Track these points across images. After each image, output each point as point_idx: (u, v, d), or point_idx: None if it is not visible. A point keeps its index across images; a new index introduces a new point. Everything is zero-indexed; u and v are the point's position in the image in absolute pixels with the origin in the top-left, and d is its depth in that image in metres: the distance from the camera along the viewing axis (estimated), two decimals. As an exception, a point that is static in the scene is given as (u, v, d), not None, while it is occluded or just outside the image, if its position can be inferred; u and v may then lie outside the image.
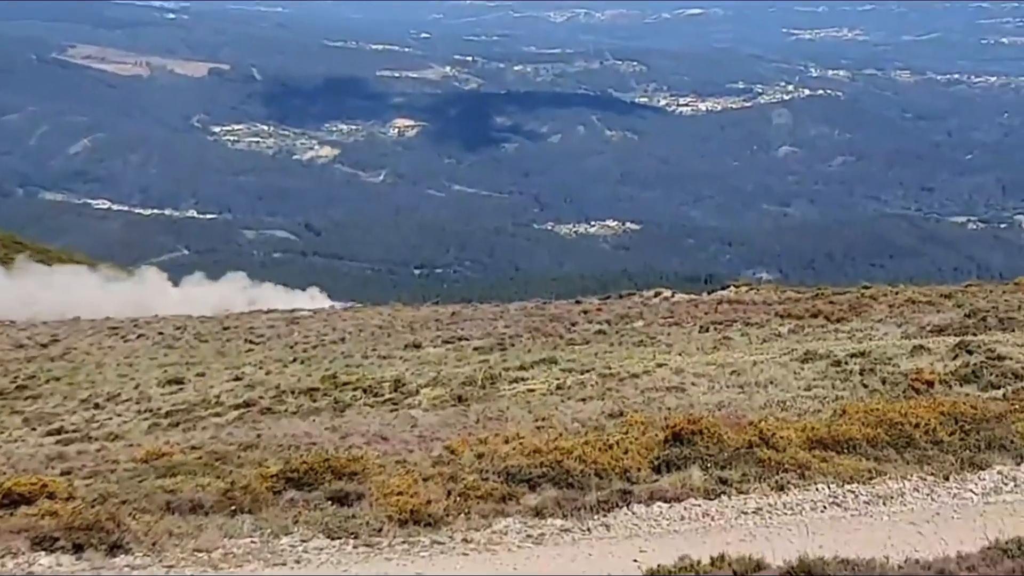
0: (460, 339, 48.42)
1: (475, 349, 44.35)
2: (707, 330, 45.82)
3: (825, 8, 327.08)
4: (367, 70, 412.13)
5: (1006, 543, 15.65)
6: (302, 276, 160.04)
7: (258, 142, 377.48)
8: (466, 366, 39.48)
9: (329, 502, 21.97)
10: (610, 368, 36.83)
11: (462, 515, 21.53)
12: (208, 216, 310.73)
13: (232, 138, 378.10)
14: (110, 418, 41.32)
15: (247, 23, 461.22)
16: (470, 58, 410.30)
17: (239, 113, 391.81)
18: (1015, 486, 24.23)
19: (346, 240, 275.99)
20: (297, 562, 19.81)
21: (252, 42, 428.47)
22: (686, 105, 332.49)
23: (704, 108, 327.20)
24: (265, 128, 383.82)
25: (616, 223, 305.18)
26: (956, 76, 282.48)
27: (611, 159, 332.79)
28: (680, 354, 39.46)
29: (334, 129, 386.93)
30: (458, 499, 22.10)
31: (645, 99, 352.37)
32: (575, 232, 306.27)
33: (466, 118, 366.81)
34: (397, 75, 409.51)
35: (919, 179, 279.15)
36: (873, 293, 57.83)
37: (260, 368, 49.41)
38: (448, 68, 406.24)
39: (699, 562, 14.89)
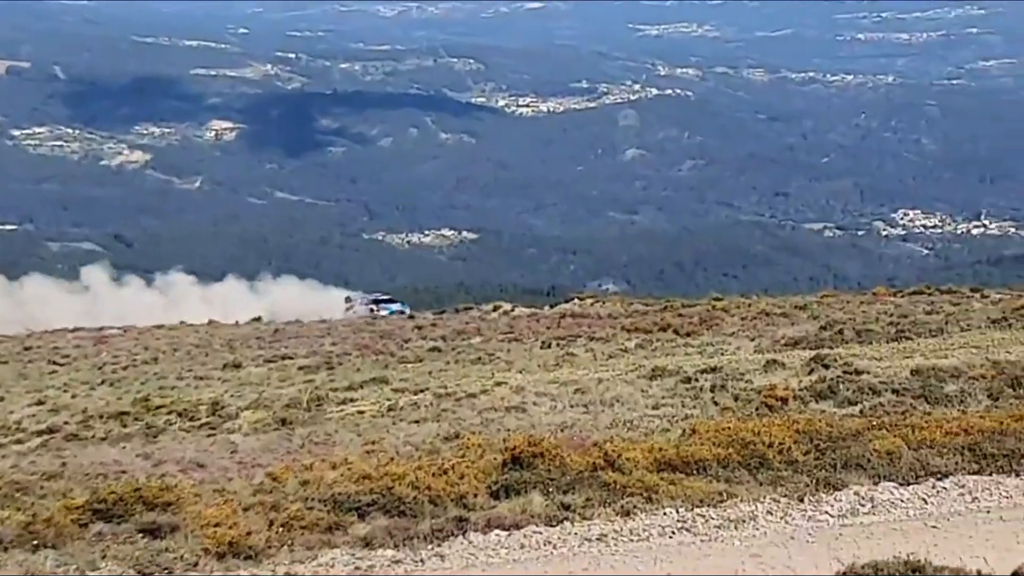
0: (284, 358, 48.34)
1: (300, 368, 44.26)
2: (549, 346, 46.07)
3: (673, 2, 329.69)
4: (180, 68, 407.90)
5: (862, 567, 15.95)
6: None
7: (62, 146, 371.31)
8: (290, 387, 39.39)
9: (140, 535, 21.71)
10: (445, 387, 36.89)
11: (285, 547, 21.50)
12: (7, 227, 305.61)
13: (33, 142, 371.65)
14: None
15: (50, 18, 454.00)
16: (293, 55, 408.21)
17: (40, 115, 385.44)
18: (872, 507, 24.65)
19: (160, 252, 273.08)
20: (105, 600, 19.63)
21: (55, 38, 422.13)
22: (526, 106, 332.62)
23: (545, 109, 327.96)
24: (69, 131, 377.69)
25: (452, 232, 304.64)
26: (811, 75, 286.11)
27: (446, 164, 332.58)
28: (520, 372, 39.64)
29: (145, 132, 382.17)
30: (281, 530, 22.05)
31: (483, 99, 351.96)
32: (408, 242, 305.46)
33: (289, 120, 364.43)
34: (213, 74, 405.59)
35: (773, 184, 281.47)
36: (725, 305, 58.49)
37: (65, 391, 48.83)
38: (269, 66, 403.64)
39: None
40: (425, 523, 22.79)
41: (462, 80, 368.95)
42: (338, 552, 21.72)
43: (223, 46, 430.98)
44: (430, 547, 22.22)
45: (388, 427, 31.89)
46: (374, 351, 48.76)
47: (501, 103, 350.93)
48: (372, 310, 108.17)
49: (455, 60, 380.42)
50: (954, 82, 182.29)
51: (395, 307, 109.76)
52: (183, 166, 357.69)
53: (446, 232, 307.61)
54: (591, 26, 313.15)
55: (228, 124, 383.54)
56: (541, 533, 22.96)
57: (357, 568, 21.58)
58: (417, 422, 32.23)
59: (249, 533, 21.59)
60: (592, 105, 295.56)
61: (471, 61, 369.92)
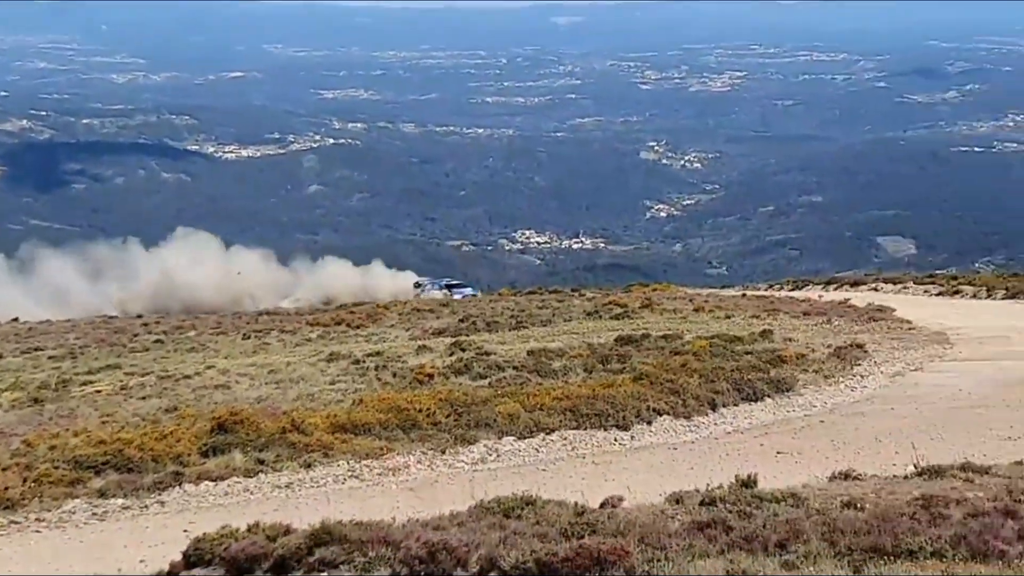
0: (36, 349, 46.65)
1: (50, 358, 42.75)
2: (249, 337, 45.46)
3: (345, 72, 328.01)
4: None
5: (488, 502, 15.99)
6: None
7: None
8: (41, 372, 38.05)
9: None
10: (166, 371, 36.15)
11: (36, 498, 20.94)
12: None
13: None
14: None
15: None
16: (44, 112, 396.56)
17: None
18: (497, 456, 24.91)
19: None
20: None
21: None
22: (231, 152, 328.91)
23: (246, 155, 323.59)
24: None
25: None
26: (452, 128, 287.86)
27: (167, 198, 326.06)
28: (226, 358, 39.04)
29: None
30: (33, 485, 21.45)
31: (196, 147, 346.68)
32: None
33: (41, 163, 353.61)
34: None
35: (423, 210, 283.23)
36: (387, 304, 58.58)
37: None
38: (25, 121, 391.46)
39: (237, 529, 14.72)
40: (149, 477, 22.35)
41: (179, 132, 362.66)
42: (79, 501, 21.22)
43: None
44: (153, 496, 21.80)
45: (120, 403, 31.10)
46: (109, 343, 47.53)
47: (211, 150, 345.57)
48: (446, 294, 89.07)
49: (174, 116, 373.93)
50: (558, 134, 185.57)
51: (467, 291, 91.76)
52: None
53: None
54: (282, 90, 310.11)
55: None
56: (241, 483, 22.64)
57: (94, 514, 21.09)
58: (144, 398, 31.51)
59: (7, 488, 20.95)
60: (282, 151, 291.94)
61: (187, 117, 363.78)
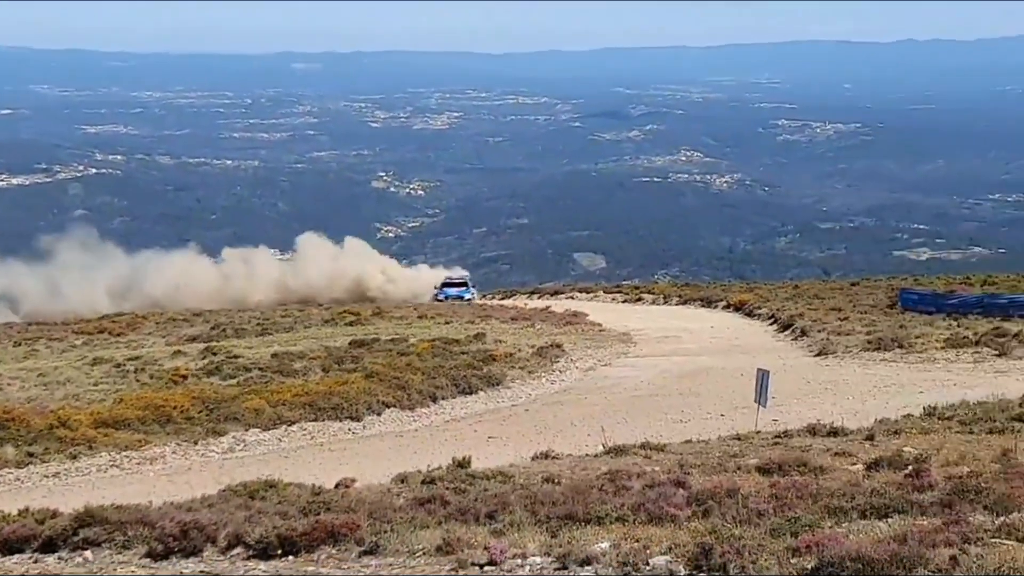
0: None
1: None
2: (20, 344, 43.73)
3: (106, 110, 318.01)
4: None
5: (236, 486, 15.86)
6: None
7: None
8: None
9: None
10: (-58, 375, 34.52)
11: None
12: None
13: None
14: None
15: None
16: None
17: None
18: (244, 446, 24.74)
19: None
20: None
21: None
22: (2, 180, 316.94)
23: (15, 183, 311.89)
24: None
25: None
26: (203, 160, 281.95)
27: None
28: (-2, 363, 37.48)
29: None
30: None
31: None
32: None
33: None
34: None
35: (178, 232, 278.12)
36: (145, 314, 56.74)
37: None
38: None
39: (9, 514, 14.26)
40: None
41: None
42: None
43: None
44: (-70, 487, 21.02)
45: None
46: None
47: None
48: (436, 296, 69.84)
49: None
50: (299, 166, 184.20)
51: (452, 292, 69.85)
52: None
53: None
54: (49, 125, 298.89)
55: None
56: (12, 473, 21.99)
57: None
58: (-79, 400, 30.16)
59: None
60: (49, 180, 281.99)
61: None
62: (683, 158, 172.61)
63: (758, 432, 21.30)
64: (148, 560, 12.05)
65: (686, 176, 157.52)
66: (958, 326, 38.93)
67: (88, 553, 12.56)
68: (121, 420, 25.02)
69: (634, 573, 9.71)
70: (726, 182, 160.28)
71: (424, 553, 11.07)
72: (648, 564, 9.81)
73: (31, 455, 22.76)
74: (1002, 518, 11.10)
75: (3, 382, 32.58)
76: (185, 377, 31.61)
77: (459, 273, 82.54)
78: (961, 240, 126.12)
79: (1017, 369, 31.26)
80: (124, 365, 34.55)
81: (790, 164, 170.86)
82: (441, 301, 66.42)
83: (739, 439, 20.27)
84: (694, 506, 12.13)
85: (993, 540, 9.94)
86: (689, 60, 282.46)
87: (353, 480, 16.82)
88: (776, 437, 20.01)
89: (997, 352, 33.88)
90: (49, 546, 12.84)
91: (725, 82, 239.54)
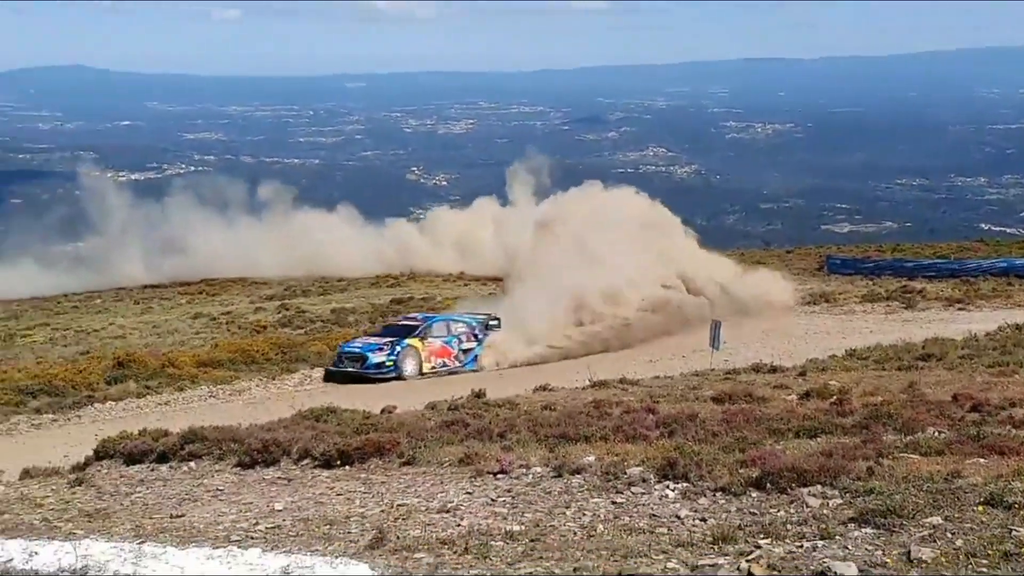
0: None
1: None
2: (138, 303, 43.59)
3: (201, 121, 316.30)
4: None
5: (304, 411, 15.91)
6: None
7: None
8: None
9: None
10: (82, 327, 34.81)
11: (-11, 415, 20.46)
12: None
13: None
14: None
15: None
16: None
17: None
18: (310, 380, 24.77)
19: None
20: None
21: None
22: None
23: (133, 178, 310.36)
24: None
25: None
26: (276, 159, 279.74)
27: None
28: (122, 317, 37.68)
29: None
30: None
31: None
32: None
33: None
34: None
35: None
36: (232, 279, 54.02)
37: None
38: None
39: (132, 433, 14.41)
40: (70, 399, 21.81)
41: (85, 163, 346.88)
42: (22, 416, 20.80)
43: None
44: (73, 412, 21.34)
45: (49, 349, 29.99)
46: (41, 308, 44.48)
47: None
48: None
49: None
50: (349, 163, 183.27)
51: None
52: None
53: None
54: (156, 134, 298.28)
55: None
56: (134, 402, 22.15)
57: (32, 425, 20.51)
58: (66, 345, 30.41)
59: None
60: (159, 175, 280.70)
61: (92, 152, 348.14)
62: (651, 153, 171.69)
63: (712, 370, 21.34)
64: (238, 468, 12.24)
65: (653, 168, 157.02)
66: (873, 285, 38.85)
67: (192, 463, 12.72)
68: (216, 361, 25.13)
69: (614, 480, 9.78)
70: (686, 172, 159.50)
71: (450, 464, 11.18)
72: (626, 473, 9.88)
73: (148, 388, 22.93)
74: (908, 437, 11.18)
75: (126, 332, 32.86)
76: (264, 328, 31.74)
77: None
78: (876, 216, 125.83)
79: (921, 319, 31.18)
80: (218, 318, 34.73)
81: (736, 157, 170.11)
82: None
83: (697, 375, 20.34)
84: (662, 428, 12.17)
85: (901, 455, 10.00)
86: (655, 76, 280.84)
87: (394, 407, 16.93)
88: (727, 374, 20.05)
89: (904, 305, 33.88)
90: (162, 458, 13.03)
91: (684, 92, 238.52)
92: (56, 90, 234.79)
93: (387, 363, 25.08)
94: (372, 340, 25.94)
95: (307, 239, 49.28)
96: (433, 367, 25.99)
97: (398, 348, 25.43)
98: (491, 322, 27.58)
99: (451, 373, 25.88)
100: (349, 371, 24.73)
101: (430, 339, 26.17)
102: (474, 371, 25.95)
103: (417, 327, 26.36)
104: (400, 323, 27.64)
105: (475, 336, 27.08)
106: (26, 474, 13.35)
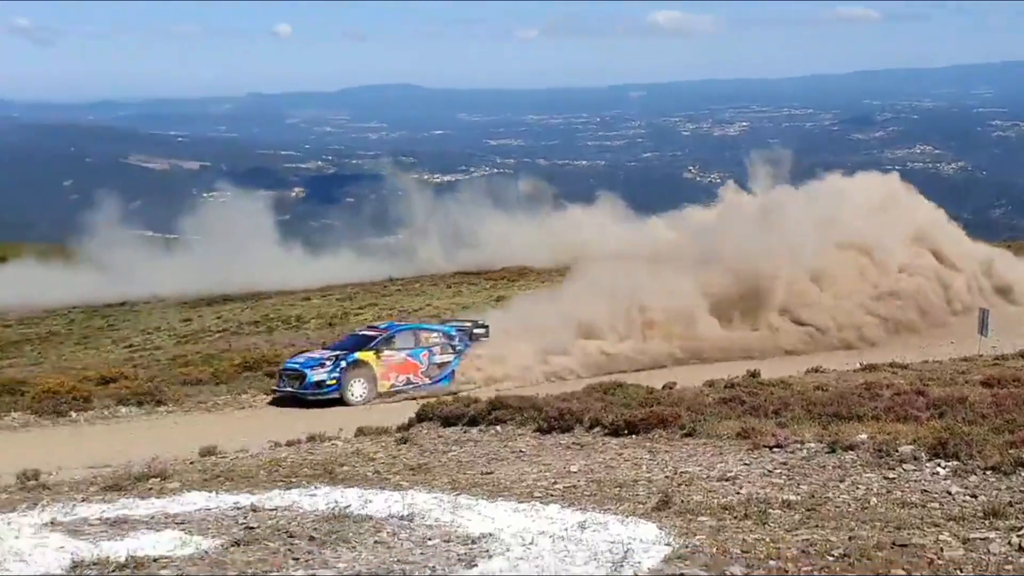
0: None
1: (337, 299, 42.49)
2: (450, 287, 44.63)
3: (503, 129, 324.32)
4: None
5: (595, 385, 15.97)
6: None
7: None
8: (330, 308, 38.34)
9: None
10: (405, 307, 36.27)
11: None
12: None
13: None
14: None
15: None
16: (329, 157, 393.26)
17: None
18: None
19: None
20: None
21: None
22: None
23: (445, 179, 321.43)
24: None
25: None
26: (567, 161, 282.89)
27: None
28: (436, 299, 39.03)
29: None
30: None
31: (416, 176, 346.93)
32: None
33: (326, 187, 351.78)
34: None
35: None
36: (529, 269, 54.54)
37: None
38: (319, 162, 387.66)
39: (447, 400, 14.94)
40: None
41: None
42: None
43: None
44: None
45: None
46: (368, 290, 46.51)
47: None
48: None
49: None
50: (631, 164, 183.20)
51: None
52: None
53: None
54: (465, 140, 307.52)
55: None
56: (447, 373, 22.66)
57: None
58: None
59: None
60: (466, 177, 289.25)
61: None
62: (918, 151, 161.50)
63: (980, 356, 19.98)
64: (537, 433, 12.51)
65: (920, 164, 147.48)
66: None
67: (498, 427, 13.12)
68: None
69: (887, 457, 9.31)
70: (952, 168, 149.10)
71: (728, 437, 10.97)
72: (897, 451, 9.39)
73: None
74: None
75: (440, 311, 34.18)
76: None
77: None
78: None
79: None
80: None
81: (1003, 154, 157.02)
82: None
83: (966, 360, 19.13)
84: (932, 410, 11.47)
85: None
86: (920, 79, 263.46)
87: (675, 383, 16.86)
88: (995, 360, 18.75)
89: None
90: (472, 421, 13.50)
91: (948, 93, 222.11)
92: (384, 105, 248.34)
93: (328, 381, 19.90)
94: (316, 354, 21.05)
95: (576, 233, 49.56)
96: (394, 385, 20.68)
97: (342, 363, 20.15)
98: (476, 330, 22.27)
99: (429, 389, 20.52)
100: (288, 391, 20.03)
101: (388, 351, 20.81)
102: (451, 391, 19.65)
103: (375, 337, 21.16)
104: (359, 332, 22.53)
105: (452, 348, 21.73)
106: (360, 432, 14.18)
